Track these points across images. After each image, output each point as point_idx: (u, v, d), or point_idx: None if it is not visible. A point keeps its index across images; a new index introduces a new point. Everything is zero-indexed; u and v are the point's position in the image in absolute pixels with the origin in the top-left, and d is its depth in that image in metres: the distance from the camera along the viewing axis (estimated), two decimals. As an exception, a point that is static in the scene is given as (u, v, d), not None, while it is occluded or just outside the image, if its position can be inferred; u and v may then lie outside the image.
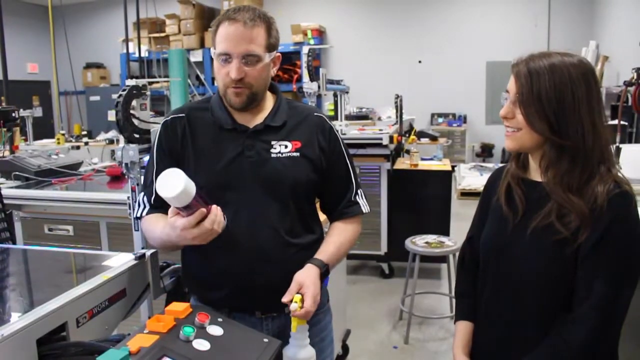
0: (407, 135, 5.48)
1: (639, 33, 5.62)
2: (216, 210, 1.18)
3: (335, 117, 4.91)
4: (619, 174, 1.19)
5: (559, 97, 1.15)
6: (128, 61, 5.71)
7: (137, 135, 1.88)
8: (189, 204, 1.11)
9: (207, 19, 9.42)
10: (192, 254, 1.44)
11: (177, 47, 9.01)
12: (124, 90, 1.90)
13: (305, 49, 4.33)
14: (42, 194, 2.64)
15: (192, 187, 1.09)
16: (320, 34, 9.38)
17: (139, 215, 1.45)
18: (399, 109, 5.23)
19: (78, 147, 5.81)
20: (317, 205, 1.57)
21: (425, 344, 3.40)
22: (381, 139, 4.29)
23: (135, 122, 1.91)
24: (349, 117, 5.78)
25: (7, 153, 3.38)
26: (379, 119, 6.51)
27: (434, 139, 7.86)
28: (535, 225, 1.20)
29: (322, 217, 1.58)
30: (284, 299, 1.26)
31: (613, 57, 6.59)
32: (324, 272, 1.37)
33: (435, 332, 3.56)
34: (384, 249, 4.43)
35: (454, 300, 1.93)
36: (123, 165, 1.79)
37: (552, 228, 1.17)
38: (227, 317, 1.21)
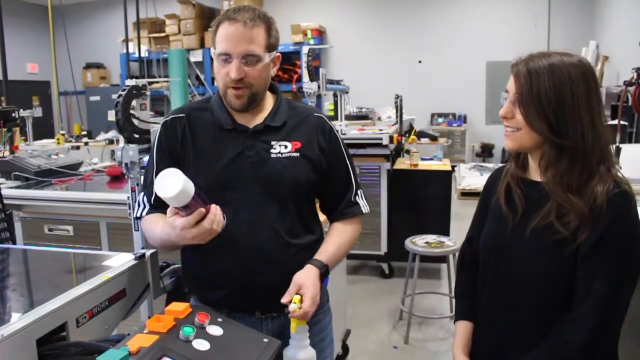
0: (407, 135, 5.48)
1: (639, 33, 5.62)
2: (215, 210, 1.18)
3: (335, 117, 4.91)
4: (619, 174, 1.19)
5: (558, 97, 1.15)
6: (128, 61, 5.72)
7: (136, 136, 1.88)
8: (188, 203, 1.11)
9: (207, 19, 9.42)
10: (192, 254, 1.44)
11: (177, 47, 9.01)
12: (123, 90, 1.90)
13: (305, 49, 4.33)
14: (42, 194, 2.64)
15: (190, 187, 1.09)
16: (320, 34, 9.38)
17: (138, 215, 1.45)
18: (399, 109, 5.23)
19: (78, 147, 5.81)
20: (317, 205, 1.57)
21: (425, 344, 3.40)
22: (381, 139, 4.29)
23: (135, 122, 1.91)
24: (348, 117, 5.78)
25: (7, 153, 3.38)
26: (379, 119, 6.51)
27: (434, 139, 7.86)
28: (535, 225, 1.20)
29: (322, 217, 1.58)
30: (283, 300, 1.26)
31: (613, 57, 6.59)
32: (324, 272, 1.37)
33: (435, 332, 3.56)
34: (384, 249, 4.43)
35: (454, 300, 1.93)
36: (123, 165, 1.79)
37: (551, 228, 1.17)
38: (226, 317, 1.21)
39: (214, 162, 1.39)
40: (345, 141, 1.55)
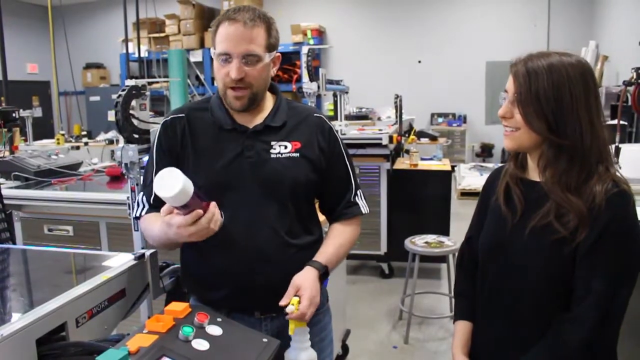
0: (406, 135, 5.48)
1: (639, 33, 5.62)
2: (213, 208, 1.18)
3: (334, 117, 4.91)
4: (617, 174, 1.19)
5: (557, 97, 1.15)
6: (128, 61, 5.71)
7: (136, 136, 1.88)
8: (187, 203, 1.11)
9: (206, 19, 9.42)
10: (192, 254, 1.45)
11: (176, 47, 9.01)
12: (123, 90, 1.90)
13: (304, 49, 4.33)
14: (41, 194, 2.65)
15: (190, 187, 1.09)
16: (320, 34, 9.38)
17: (138, 214, 1.45)
18: (398, 109, 5.22)
19: (78, 148, 5.81)
20: (317, 205, 1.57)
21: (425, 344, 3.40)
22: (381, 139, 4.29)
23: (135, 122, 1.91)
24: (348, 117, 5.78)
25: (7, 153, 3.39)
26: (379, 119, 6.51)
27: (433, 139, 7.86)
28: (534, 225, 1.20)
29: (322, 217, 1.58)
30: (282, 303, 1.27)
31: (613, 57, 6.59)
32: (323, 273, 1.37)
33: (435, 332, 3.56)
34: (383, 249, 4.43)
35: (453, 300, 1.92)
36: (123, 165, 1.79)
37: (550, 227, 1.17)
38: (226, 317, 1.21)
39: (214, 162, 1.39)
40: (345, 141, 1.56)
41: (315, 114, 1.50)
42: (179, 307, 1.09)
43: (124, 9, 5.22)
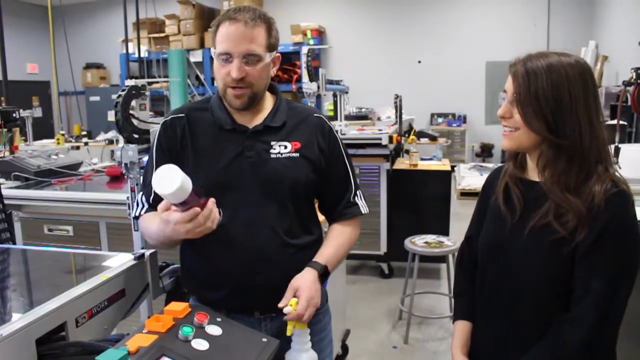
0: (406, 135, 5.48)
1: (639, 33, 5.62)
2: (211, 205, 1.18)
3: (334, 117, 4.91)
4: (617, 174, 1.19)
5: (556, 97, 1.15)
6: (128, 61, 5.71)
7: (136, 136, 1.89)
8: (185, 200, 1.11)
9: (206, 19, 9.42)
10: (191, 254, 1.45)
11: (176, 47, 9.01)
12: (123, 90, 1.91)
13: (304, 49, 4.33)
14: (41, 194, 2.65)
15: (188, 184, 1.09)
16: (319, 34, 9.38)
17: (137, 214, 1.45)
18: (398, 109, 5.23)
19: (78, 148, 5.81)
20: (316, 205, 1.57)
21: (425, 344, 3.40)
22: (380, 139, 4.29)
23: (135, 122, 1.91)
24: (348, 117, 5.78)
25: (7, 153, 3.39)
26: (379, 119, 6.51)
27: (433, 139, 7.86)
28: (533, 225, 1.20)
29: (322, 217, 1.58)
30: (280, 305, 1.27)
31: (612, 57, 6.59)
32: (323, 274, 1.38)
33: (434, 331, 3.56)
34: (383, 249, 4.43)
35: (453, 300, 1.92)
36: (122, 165, 1.79)
37: (549, 227, 1.17)
38: (225, 317, 1.21)
39: (214, 162, 1.39)
40: (345, 141, 1.56)
41: (315, 114, 1.50)
42: (178, 307, 1.09)
43: (124, 9, 5.22)
